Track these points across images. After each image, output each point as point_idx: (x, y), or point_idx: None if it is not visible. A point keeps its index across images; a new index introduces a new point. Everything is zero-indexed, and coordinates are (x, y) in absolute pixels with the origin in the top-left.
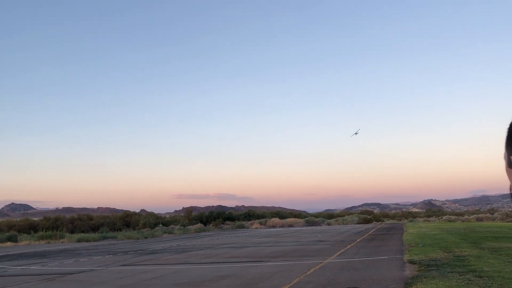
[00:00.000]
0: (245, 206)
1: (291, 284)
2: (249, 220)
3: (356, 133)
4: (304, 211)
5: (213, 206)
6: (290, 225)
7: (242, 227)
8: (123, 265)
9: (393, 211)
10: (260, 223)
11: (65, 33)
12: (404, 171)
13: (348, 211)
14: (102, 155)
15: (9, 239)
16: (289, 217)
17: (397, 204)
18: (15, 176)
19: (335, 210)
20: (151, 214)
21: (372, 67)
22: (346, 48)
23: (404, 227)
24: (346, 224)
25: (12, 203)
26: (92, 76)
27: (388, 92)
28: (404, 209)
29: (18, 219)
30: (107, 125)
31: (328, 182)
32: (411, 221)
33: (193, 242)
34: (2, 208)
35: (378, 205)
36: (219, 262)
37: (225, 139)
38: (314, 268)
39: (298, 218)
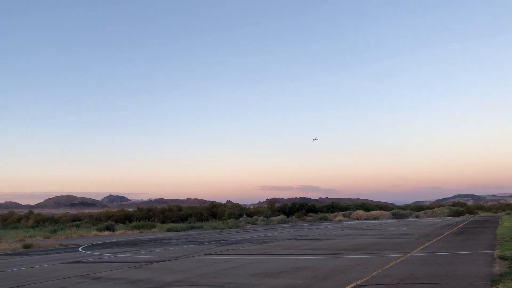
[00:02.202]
0: (329, 198)
1: (368, 277)
2: (332, 212)
3: (315, 139)
4: (391, 203)
5: (296, 198)
6: (375, 218)
7: (325, 219)
8: (205, 254)
9: (489, 203)
10: (344, 216)
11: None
12: (503, 159)
13: (438, 203)
14: (191, 149)
15: (107, 228)
16: (374, 210)
17: (494, 195)
18: (112, 170)
19: (425, 202)
20: (236, 205)
21: None
22: None
23: (499, 220)
24: (436, 216)
25: (110, 195)
26: (193, 78)
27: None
28: (501, 201)
29: (115, 210)
30: (193, 120)
31: (417, 173)
32: (508, 213)
33: (275, 233)
34: (102, 199)
35: (472, 196)
36: (298, 254)
37: (310, 131)
38: (394, 262)
39: (384, 210)
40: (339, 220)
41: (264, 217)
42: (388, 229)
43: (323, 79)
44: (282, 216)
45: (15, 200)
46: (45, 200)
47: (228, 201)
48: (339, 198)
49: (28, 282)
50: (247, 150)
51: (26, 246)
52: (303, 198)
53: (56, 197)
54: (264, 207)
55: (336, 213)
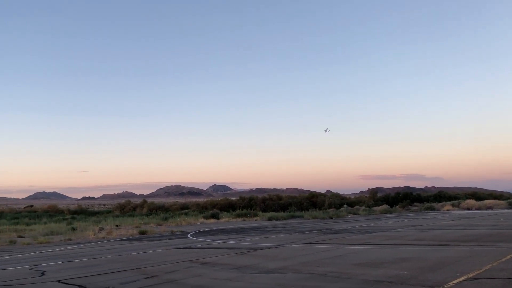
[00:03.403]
0: (435, 187)
1: (481, 271)
2: (439, 201)
3: (326, 130)
4: (507, 192)
5: (399, 187)
6: (489, 208)
7: (432, 209)
8: (306, 243)
9: None
10: (453, 205)
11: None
12: None
13: None
14: (290, 139)
15: (213, 216)
16: (487, 199)
17: None
18: (217, 161)
19: None
20: (336, 195)
21: None
22: None
23: None
24: None
25: (215, 184)
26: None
27: None
28: None
29: (219, 199)
30: (294, 111)
31: None
32: None
33: (377, 223)
34: (207, 189)
35: None
36: (402, 244)
37: (414, 118)
38: (511, 255)
39: (499, 199)
40: (447, 210)
41: (365, 207)
42: (504, 219)
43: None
44: (385, 206)
45: (131, 190)
46: (157, 190)
47: (328, 191)
48: (447, 187)
49: (144, 265)
50: (347, 139)
51: (142, 233)
52: (407, 187)
53: (166, 187)
54: (366, 196)
55: (443, 202)
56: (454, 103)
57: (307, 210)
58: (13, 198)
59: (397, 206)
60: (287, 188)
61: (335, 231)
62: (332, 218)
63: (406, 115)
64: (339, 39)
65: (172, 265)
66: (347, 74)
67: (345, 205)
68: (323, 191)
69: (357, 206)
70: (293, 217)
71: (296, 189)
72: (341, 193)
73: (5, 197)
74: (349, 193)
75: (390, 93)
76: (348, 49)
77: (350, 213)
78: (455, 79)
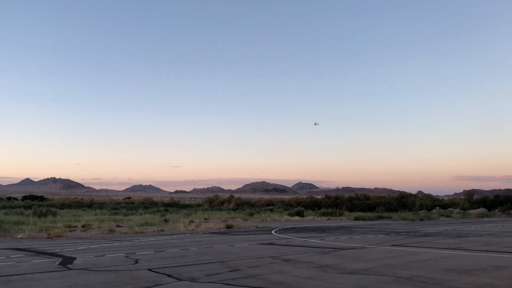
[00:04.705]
0: None
1: None
2: None
3: (316, 124)
4: None
5: (499, 189)
6: None
7: None
8: (393, 245)
9: None
10: None
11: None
12: None
13: None
14: (377, 137)
15: (297, 213)
16: None
17: None
18: (302, 159)
19: None
20: (428, 196)
21: None
22: None
23: None
24: None
25: (300, 182)
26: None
27: None
28: None
29: (304, 197)
30: (375, 106)
31: None
32: None
33: (472, 227)
34: (292, 186)
35: None
36: (499, 252)
37: None
38: None
39: None
40: None
41: (460, 209)
42: None
43: None
44: (481, 209)
45: (219, 185)
46: (244, 185)
47: (419, 192)
48: None
49: (229, 259)
50: (441, 138)
51: (228, 227)
52: (508, 190)
53: (252, 183)
54: (460, 198)
55: None
56: None
57: (396, 211)
58: (114, 190)
59: (495, 210)
60: (375, 188)
61: (424, 234)
62: (422, 220)
63: (509, 113)
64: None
65: (255, 260)
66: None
67: (437, 207)
68: (413, 192)
69: (450, 209)
70: (380, 218)
71: (385, 189)
72: (434, 194)
73: (106, 189)
74: (442, 195)
75: (490, 90)
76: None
77: (443, 215)
78: None
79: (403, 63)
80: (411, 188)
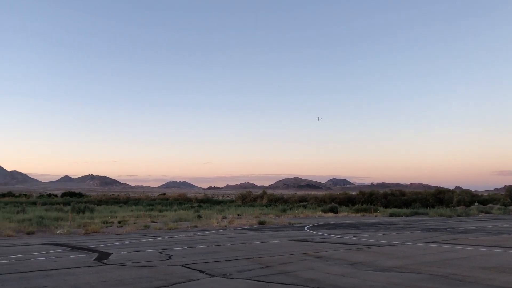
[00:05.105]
0: None
1: None
2: None
3: (318, 119)
4: None
5: None
6: None
7: None
8: (429, 242)
9: None
10: None
11: None
12: None
13: None
14: (413, 131)
15: (331, 210)
16: None
17: None
18: (336, 154)
19: None
20: (466, 192)
21: None
22: None
23: None
24: None
25: (333, 178)
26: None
27: None
28: None
29: (338, 193)
30: (416, 100)
31: None
32: None
33: None
34: (326, 182)
35: None
36: None
37: None
38: None
39: None
40: None
41: (500, 205)
42: None
43: None
44: None
45: (252, 181)
46: (276, 181)
47: (457, 187)
48: None
49: (260, 255)
50: (481, 131)
51: (261, 223)
52: None
53: (285, 179)
54: (501, 194)
55: None
56: None
57: (433, 207)
58: (149, 187)
59: None
60: (411, 184)
61: (462, 230)
62: (460, 216)
63: None
64: None
65: (287, 256)
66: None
67: (476, 203)
68: (451, 187)
69: (490, 205)
70: (416, 214)
71: (421, 184)
72: (472, 189)
73: (142, 185)
74: (482, 190)
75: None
76: None
77: (482, 211)
78: None
79: (438, 54)
80: (448, 183)
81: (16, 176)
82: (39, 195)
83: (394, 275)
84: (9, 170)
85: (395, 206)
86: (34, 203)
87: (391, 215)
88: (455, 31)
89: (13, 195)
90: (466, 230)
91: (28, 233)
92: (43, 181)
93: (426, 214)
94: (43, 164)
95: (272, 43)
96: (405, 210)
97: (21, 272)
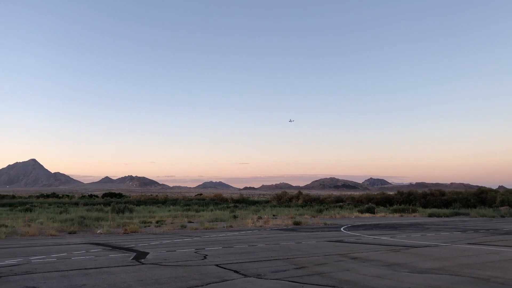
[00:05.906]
0: None
1: None
2: None
3: (291, 121)
4: None
5: None
6: None
7: None
8: (470, 243)
9: None
10: None
11: None
12: None
13: None
14: (453, 129)
15: (368, 210)
16: None
17: None
18: (373, 154)
19: None
20: (511, 191)
21: None
22: None
23: None
24: None
25: (371, 178)
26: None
27: None
28: None
29: (376, 193)
30: (454, 100)
31: None
32: None
33: None
34: (363, 182)
35: None
36: None
37: None
38: None
39: None
40: None
41: None
42: None
43: None
44: None
45: (287, 182)
46: (312, 182)
47: (501, 187)
48: None
49: (295, 256)
50: None
51: (296, 223)
52: None
53: (321, 179)
54: None
55: None
56: None
57: (474, 207)
58: (186, 187)
59: None
60: (451, 183)
61: (506, 232)
62: (504, 217)
63: None
64: None
65: (322, 257)
66: None
67: None
68: (494, 187)
69: None
70: (457, 214)
71: (462, 184)
72: None
73: (179, 186)
74: None
75: None
76: None
77: None
78: None
79: (474, 50)
80: (491, 182)
81: (59, 177)
82: (81, 195)
83: (432, 277)
84: (52, 171)
85: (435, 207)
86: (77, 204)
87: (430, 215)
88: None
89: (57, 196)
90: (510, 231)
91: (70, 233)
92: (84, 182)
93: (467, 214)
94: (85, 165)
95: (311, 46)
96: (445, 211)
97: (62, 271)
